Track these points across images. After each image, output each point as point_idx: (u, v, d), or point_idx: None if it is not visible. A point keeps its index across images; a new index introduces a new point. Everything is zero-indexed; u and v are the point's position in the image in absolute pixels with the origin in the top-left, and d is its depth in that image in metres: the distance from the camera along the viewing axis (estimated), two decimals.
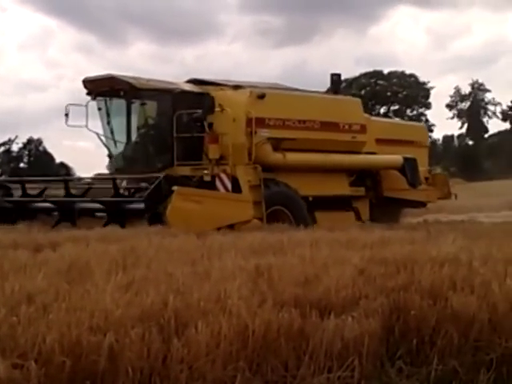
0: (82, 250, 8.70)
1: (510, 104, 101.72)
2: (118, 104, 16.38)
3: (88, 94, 16.31)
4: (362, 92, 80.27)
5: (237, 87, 16.30)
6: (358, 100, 18.70)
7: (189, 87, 16.37)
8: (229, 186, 14.58)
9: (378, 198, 18.06)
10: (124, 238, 10.63)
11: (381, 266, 7.01)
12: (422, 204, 19.32)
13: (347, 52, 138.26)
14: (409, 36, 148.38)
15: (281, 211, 15.37)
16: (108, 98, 16.48)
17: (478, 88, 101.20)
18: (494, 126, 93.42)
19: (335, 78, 18.24)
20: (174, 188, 13.08)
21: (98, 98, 16.51)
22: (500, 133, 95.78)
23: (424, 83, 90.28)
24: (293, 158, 15.73)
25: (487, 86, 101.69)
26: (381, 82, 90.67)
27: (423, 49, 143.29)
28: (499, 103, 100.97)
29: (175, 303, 5.07)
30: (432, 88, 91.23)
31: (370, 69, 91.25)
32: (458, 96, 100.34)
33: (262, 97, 15.57)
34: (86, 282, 6.00)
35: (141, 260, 7.73)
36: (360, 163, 17.55)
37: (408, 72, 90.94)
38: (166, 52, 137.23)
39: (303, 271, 6.66)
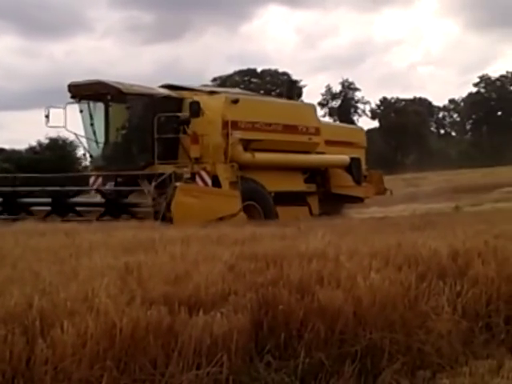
0: None
1: (378, 103, 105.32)
2: (102, 107, 17.62)
3: (72, 97, 17.40)
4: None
5: (212, 93, 18.21)
6: (313, 105, 20.77)
7: (167, 92, 17.78)
8: (209, 182, 15.99)
9: (326, 193, 19.64)
10: None
11: (251, 261, 7.08)
12: (361, 199, 20.94)
13: (219, 49, 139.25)
14: (279, 35, 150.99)
15: (252, 206, 16.80)
16: (91, 102, 17.64)
17: (348, 87, 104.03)
18: (364, 123, 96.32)
19: (289, 85, 20.67)
20: (177, 184, 14.52)
21: (82, 101, 17.64)
22: (369, 131, 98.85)
23: (297, 81, 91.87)
24: (260, 157, 17.32)
25: (357, 85, 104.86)
26: (254, 79, 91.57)
27: (294, 47, 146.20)
28: (368, 102, 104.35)
29: (41, 303, 4.94)
30: (304, 86, 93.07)
31: (242, 67, 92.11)
32: (330, 94, 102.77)
33: (235, 102, 17.22)
34: None
35: (6, 260, 7.49)
36: (314, 162, 19.36)
37: (281, 70, 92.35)
38: (33, 47, 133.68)
39: (173, 268, 6.63)
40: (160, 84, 19.01)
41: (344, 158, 19.91)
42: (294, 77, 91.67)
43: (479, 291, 6.86)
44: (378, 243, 8.45)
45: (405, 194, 33.03)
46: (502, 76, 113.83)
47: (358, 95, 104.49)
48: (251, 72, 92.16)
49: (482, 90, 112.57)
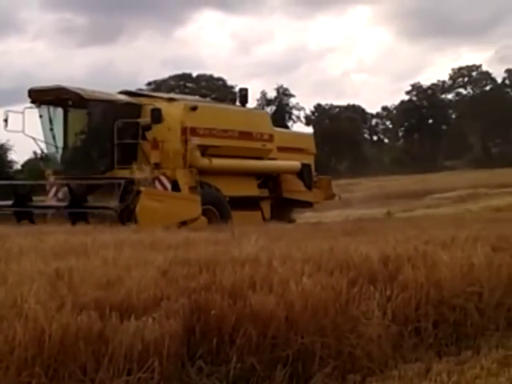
0: None
1: (312, 109, 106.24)
2: (62, 112, 17.81)
3: (32, 102, 17.52)
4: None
5: (171, 100, 18.32)
6: (267, 113, 22.16)
7: (128, 99, 18.03)
8: (168, 187, 16.45)
9: (277, 198, 20.10)
10: None
11: (184, 266, 7.05)
12: (310, 204, 21.50)
13: (153, 53, 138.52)
14: (214, 40, 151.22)
15: (210, 210, 17.08)
16: (51, 107, 17.76)
17: (283, 93, 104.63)
18: (298, 130, 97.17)
19: (243, 93, 20.55)
20: (142, 188, 15.14)
21: (42, 106, 17.74)
22: None
23: (232, 87, 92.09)
24: (217, 162, 17.67)
25: (292, 91, 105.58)
26: (190, 84, 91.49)
27: (229, 53, 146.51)
28: (303, 108, 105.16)
29: None
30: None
31: (177, 71, 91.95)
32: (265, 100, 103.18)
33: (194, 109, 17.60)
34: None
35: None
36: (267, 168, 19.84)
37: (216, 75, 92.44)
38: None
39: (105, 273, 6.56)
40: (119, 90, 19.41)
41: (295, 163, 20.36)
42: (229, 82, 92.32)
43: (409, 296, 6.99)
44: (310, 248, 8.52)
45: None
46: (433, 84, 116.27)
47: (292, 101, 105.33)
48: (186, 76, 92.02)
49: (414, 98, 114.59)
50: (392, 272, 7.42)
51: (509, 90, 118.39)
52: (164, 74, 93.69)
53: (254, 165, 19.30)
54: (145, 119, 16.99)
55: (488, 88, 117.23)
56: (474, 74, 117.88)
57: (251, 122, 19.55)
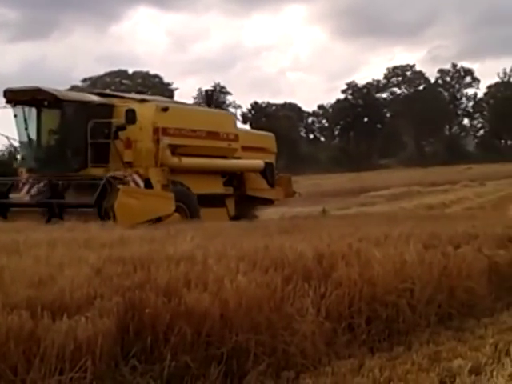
0: None
1: (249, 107, 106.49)
2: (36, 112, 18.20)
3: (7, 102, 17.86)
4: (107, 91, 79.58)
5: (143, 101, 18.99)
6: (233, 114, 23.65)
7: (101, 100, 18.60)
8: (141, 185, 16.93)
9: (241, 196, 20.81)
10: None
11: (118, 265, 6.99)
12: (271, 201, 22.23)
13: (88, 50, 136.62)
14: (150, 37, 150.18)
15: (180, 207, 17.47)
16: (26, 107, 18.20)
17: (219, 90, 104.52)
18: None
19: (209, 94, 22.78)
20: (120, 186, 15.67)
21: (17, 106, 18.14)
22: None
23: (168, 84, 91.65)
24: (186, 161, 18.34)
25: (228, 89, 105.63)
26: (125, 81, 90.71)
27: (164, 50, 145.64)
28: (240, 106, 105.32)
29: None
30: (176, 89, 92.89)
31: (112, 68, 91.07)
32: (201, 97, 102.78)
33: (165, 110, 18.27)
34: None
35: None
36: (233, 166, 20.57)
37: (152, 72, 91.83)
38: None
39: (37, 272, 6.46)
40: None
41: (259, 162, 21.12)
42: (166, 79, 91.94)
43: (342, 293, 7.07)
44: (246, 246, 8.53)
45: None
46: (368, 83, 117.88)
47: (229, 99, 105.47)
48: (122, 73, 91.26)
49: (350, 97, 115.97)
50: (326, 269, 7.50)
51: (441, 89, 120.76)
52: (99, 70, 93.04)
53: (221, 163, 20.05)
54: (119, 119, 17.57)
55: (421, 87, 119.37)
56: (408, 73, 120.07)
57: (218, 123, 20.33)
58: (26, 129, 18.27)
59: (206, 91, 23.67)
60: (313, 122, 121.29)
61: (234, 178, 20.90)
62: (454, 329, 7.89)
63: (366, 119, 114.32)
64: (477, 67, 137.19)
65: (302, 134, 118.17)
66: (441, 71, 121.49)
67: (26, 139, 18.45)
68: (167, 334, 5.56)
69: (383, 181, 52.52)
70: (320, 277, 7.24)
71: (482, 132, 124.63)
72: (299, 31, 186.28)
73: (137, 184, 16.85)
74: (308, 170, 73.09)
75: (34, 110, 18.26)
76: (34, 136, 18.37)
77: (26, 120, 18.24)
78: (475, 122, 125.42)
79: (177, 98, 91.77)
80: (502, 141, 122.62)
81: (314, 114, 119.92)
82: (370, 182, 50.92)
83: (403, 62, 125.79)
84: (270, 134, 23.27)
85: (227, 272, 6.70)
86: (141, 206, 15.61)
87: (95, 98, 18.68)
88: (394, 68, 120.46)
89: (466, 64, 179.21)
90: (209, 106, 21.71)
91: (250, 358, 5.81)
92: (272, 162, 21.88)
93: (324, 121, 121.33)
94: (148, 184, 17.16)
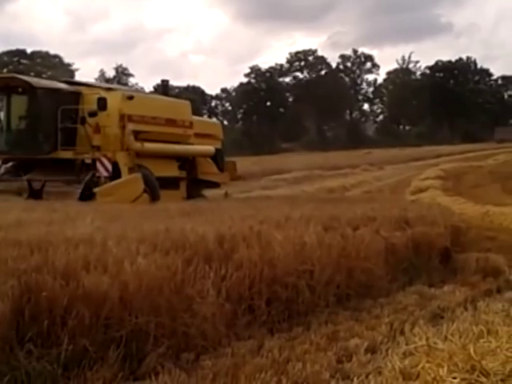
0: None
1: (152, 89, 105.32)
2: (11, 98, 19.43)
3: None
4: (5, 71, 77.28)
5: (109, 89, 20.46)
6: (189, 102, 23.52)
7: (71, 88, 19.83)
8: (109, 167, 18.00)
9: (193, 179, 22.25)
10: None
11: (14, 248, 6.77)
12: (217, 184, 23.84)
13: None
14: (47, 15, 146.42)
15: (145, 189, 18.76)
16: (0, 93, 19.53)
17: (122, 72, 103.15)
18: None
19: (165, 83, 24.36)
20: (96, 190, 16.89)
21: None
22: None
23: (69, 64, 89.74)
24: (148, 146, 19.56)
25: (131, 71, 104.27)
26: (24, 61, 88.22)
27: (63, 30, 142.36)
28: (142, 88, 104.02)
29: None
30: (77, 70, 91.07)
31: (10, 47, 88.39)
32: (103, 79, 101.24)
33: (130, 98, 19.61)
34: None
35: None
36: (188, 151, 22.00)
37: (52, 52, 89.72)
38: None
39: None
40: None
41: (210, 148, 22.72)
42: (66, 60, 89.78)
43: (243, 275, 7.12)
44: (146, 228, 8.44)
45: None
46: (271, 67, 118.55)
47: (132, 81, 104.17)
48: (20, 53, 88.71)
49: (253, 81, 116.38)
50: (227, 251, 7.52)
51: (343, 74, 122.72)
52: None
53: (177, 149, 21.36)
54: (88, 106, 18.86)
55: (323, 72, 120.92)
56: (310, 58, 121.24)
57: (175, 111, 21.74)
58: None
59: (162, 81, 24.86)
60: (216, 105, 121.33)
61: (187, 162, 22.20)
62: (351, 309, 8.08)
63: (268, 103, 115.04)
64: (376, 53, 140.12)
65: (206, 117, 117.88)
66: (342, 57, 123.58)
67: None
68: (65, 318, 5.47)
69: (285, 164, 52.90)
70: (221, 259, 7.26)
71: (381, 117, 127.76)
72: (201, 14, 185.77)
73: (105, 167, 17.99)
74: None
75: (5, 97, 19.51)
76: (5, 121, 19.59)
77: None
78: (375, 107, 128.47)
79: (78, 78, 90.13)
80: (401, 126, 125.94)
81: (217, 97, 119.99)
82: (273, 166, 51.28)
83: (304, 47, 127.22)
84: (218, 121, 24.73)
85: (127, 254, 6.63)
86: (117, 198, 16.76)
87: (65, 86, 19.97)
88: (297, 53, 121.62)
89: (366, 50, 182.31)
90: (165, 94, 23.02)
91: (149, 340, 5.78)
92: (221, 148, 23.68)
93: (227, 104, 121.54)
94: (116, 166, 18.33)
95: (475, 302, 8.28)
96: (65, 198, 15.43)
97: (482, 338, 5.46)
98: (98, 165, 18.04)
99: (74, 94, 19.58)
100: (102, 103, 18.51)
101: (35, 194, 17.57)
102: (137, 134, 19.33)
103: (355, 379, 5.44)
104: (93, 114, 18.73)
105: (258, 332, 6.79)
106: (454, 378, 4.57)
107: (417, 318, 7.46)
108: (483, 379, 4.54)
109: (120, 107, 19.17)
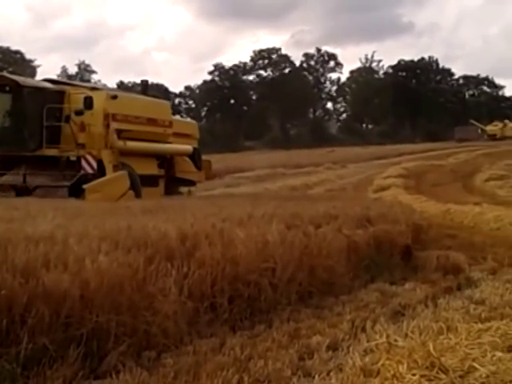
0: None
1: (115, 86, 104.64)
2: None
3: None
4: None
5: (94, 89, 21.01)
6: (169, 103, 25.06)
7: (57, 87, 20.24)
8: (94, 165, 18.43)
9: (171, 177, 22.77)
10: None
11: None
12: (193, 183, 24.39)
13: None
14: (7, 11, 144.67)
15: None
16: None
17: (84, 69, 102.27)
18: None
19: (144, 84, 25.19)
20: (85, 186, 17.20)
21: None
22: None
23: (31, 60, 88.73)
24: (130, 144, 20.02)
25: (93, 68, 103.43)
26: None
27: (24, 25, 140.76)
28: (105, 85, 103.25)
29: None
30: (39, 66, 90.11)
31: None
32: (65, 76, 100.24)
33: (114, 97, 19.95)
34: None
35: None
36: (167, 150, 22.50)
37: (13, 48, 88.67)
38: None
39: None
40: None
41: (189, 147, 23.28)
42: (28, 56, 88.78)
43: (205, 272, 7.12)
44: (108, 226, 8.38)
45: None
46: (234, 65, 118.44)
47: (94, 78, 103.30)
48: None
49: (216, 79, 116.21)
50: (189, 249, 7.51)
51: (306, 73, 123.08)
52: None
53: (158, 147, 21.84)
54: (74, 105, 19.27)
55: (287, 71, 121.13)
56: (274, 56, 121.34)
57: (156, 110, 22.30)
58: None
59: (142, 81, 25.98)
60: (179, 103, 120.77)
61: (166, 160, 22.75)
62: (313, 306, 8.12)
63: (232, 101, 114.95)
64: (339, 52, 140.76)
65: None
66: (306, 55, 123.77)
67: None
68: (24, 316, 5.42)
69: (248, 162, 52.98)
70: (183, 256, 7.24)
71: (344, 116, 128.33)
72: (163, 11, 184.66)
73: (89, 164, 18.46)
74: None
75: None
76: None
77: None
78: (338, 105, 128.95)
79: (40, 75, 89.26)
80: (364, 125, 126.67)
81: (180, 94, 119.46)
82: (236, 164, 51.22)
83: (268, 45, 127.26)
84: (194, 121, 25.07)
85: (88, 252, 6.58)
86: (105, 195, 17.12)
87: (51, 86, 20.34)
88: (261, 51, 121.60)
89: (329, 49, 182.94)
90: (143, 94, 23.51)
91: (110, 338, 5.75)
92: (199, 148, 24.17)
93: (191, 102, 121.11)
94: (100, 164, 18.72)
95: (436, 300, 8.38)
96: (52, 195, 16.17)
97: (441, 335, 5.53)
98: (83, 162, 18.50)
99: (59, 93, 19.97)
100: (89, 102, 18.89)
101: (22, 191, 17.99)
102: (119, 133, 19.75)
103: (316, 376, 5.46)
104: (79, 113, 19.14)
105: (219, 330, 6.78)
106: (414, 375, 4.62)
107: (378, 316, 7.51)
108: (442, 376, 4.59)
109: (104, 106, 19.52)
